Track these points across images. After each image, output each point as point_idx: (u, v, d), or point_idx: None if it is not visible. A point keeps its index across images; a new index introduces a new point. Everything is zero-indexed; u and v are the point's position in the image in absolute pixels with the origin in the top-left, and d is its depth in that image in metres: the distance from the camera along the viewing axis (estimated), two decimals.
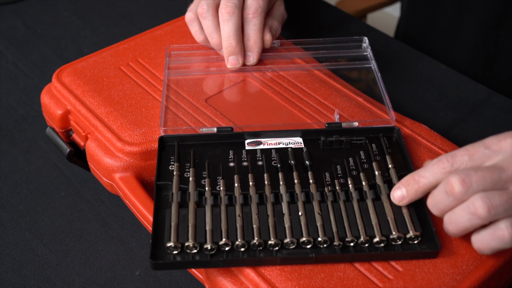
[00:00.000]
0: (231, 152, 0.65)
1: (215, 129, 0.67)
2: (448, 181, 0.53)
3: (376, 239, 0.56)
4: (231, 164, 0.64)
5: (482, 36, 1.00)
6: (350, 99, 0.72)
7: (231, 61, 0.74)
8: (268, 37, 0.76)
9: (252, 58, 0.75)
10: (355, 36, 0.79)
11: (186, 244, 0.55)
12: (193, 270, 0.61)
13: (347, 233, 0.56)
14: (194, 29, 0.78)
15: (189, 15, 0.78)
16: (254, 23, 0.74)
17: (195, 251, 0.55)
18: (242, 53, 0.74)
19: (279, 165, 0.63)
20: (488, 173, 0.52)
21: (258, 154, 0.65)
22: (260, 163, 0.64)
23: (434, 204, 0.55)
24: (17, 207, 0.75)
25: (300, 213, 0.58)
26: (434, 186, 0.56)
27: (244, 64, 0.75)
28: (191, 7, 0.78)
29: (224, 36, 0.73)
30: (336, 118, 0.69)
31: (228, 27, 0.73)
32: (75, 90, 0.73)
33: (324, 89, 0.74)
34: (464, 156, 0.55)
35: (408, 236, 0.56)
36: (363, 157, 0.64)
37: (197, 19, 0.77)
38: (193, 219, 0.57)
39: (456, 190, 0.52)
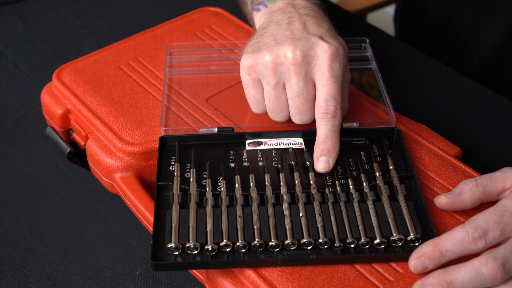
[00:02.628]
0: (231, 153, 0.65)
1: (215, 129, 0.67)
2: (488, 264, 0.51)
3: (377, 241, 0.56)
4: (232, 164, 0.64)
5: (502, 41, 0.99)
6: (350, 99, 0.72)
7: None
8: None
9: (329, 164, 0.63)
10: (356, 37, 0.79)
11: (187, 245, 0.55)
12: (194, 270, 0.61)
13: (347, 234, 0.56)
14: (255, 96, 0.66)
15: (259, 111, 0.67)
16: (333, 124, 0.62)
17: (195, 252, 0.55)
18: (336, 156, 0.63)
19: (279, 166, 0.63)
20: None
21: (259, 155, 0.65)
22: (260, 163, 0.64)
23: (459, 283, 0.52)
24: (17, 207, 0.75)
25: (300, 214, 0.58)
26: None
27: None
28: (256, 102, 0.66)
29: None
30: None
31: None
32: (75, 90, 0.73)
33: None
34: (496, 231, 0.53)
35: (408, 238, 0.56)
36: (364, 158, 0.64)
37: (264, 109, 0.67)
38: (193, 220, 0.57)
39: (499, 275, 0.51)
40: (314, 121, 0.64)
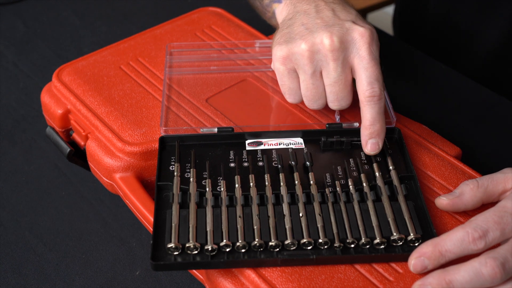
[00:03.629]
0: (231, 153, 0.65)
1: (215, 129, 0.67)
2: (488, 264, 0.51)
3: (377, 241, 0.56)
4: (232, 164, 0.64)
5: (503, 41, 0.99)
6: None
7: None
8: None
9: (379, 146, 0.63)
10: None
11: (187, 245, 0.55)
12: (194, 270, 0.61)
13: (347, 234, 0.56)
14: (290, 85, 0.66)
15: (294, 101, 0.67)
16: (380, 106, 0.62)
17: (195, 252, 0.55)
18: (383, 138, 0.64)
19: (279, 166, 0.63)
20: None
21: (259, 155, 0.65)
22: (260, 163, 0.64)
23: (458, 283, 0.52)
24: (17, 207, 0.75)
25: (300, 214, 0.58)
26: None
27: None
28: (291, 92, 0.66)
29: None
30: (336, 118, 0.69)
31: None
32: (75, 90, 0.73)
33: None
34: (496, 232, 0.53)
35: (408, 238, 0.56)
36: (364, 158, 0.64)
37: (300, 98, 0.66)
38: (193, 220, 0.57)
39: (498, 276, 0.51)
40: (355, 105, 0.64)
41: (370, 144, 0.63)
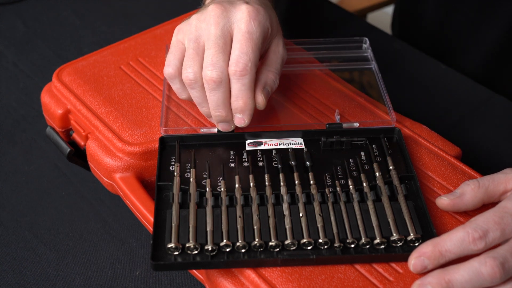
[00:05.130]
0: (231, 153, 0.65)
1: (215, 130, 0.67)
2: (487, 264, 0.51)
3: (377, 241, 0.56)
4: (232, 164, 0.64)
5: (502, 41, 0.99)
6: (350, 100, 0.72)
7: (222, 126, 0.65)
8: (260, 99, 0.64)
9: (244, 121, 0.63)
10: (356, 37, 0.79)
11: (187, 245, 0.55)
12: (194, 270, 0.61)
13: (347, 234, 0.56)
14: (176, 86, 0.67)
15: (168, 71, 0.65)
16: (243, 82, 0.61)
17: (195, 252, 0.55)
18: (231, 118, 0.64)
19: (279, 166, 0.63)
20: None
21: (259, 155, 0.65)
22: (260, 163, 0.64)
23: (458, 282, 0.52)
24: (17, 207, 0.75)
25: (300, 214, 0.58)
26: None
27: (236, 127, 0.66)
28: (170, 60, 0.65)
29: (212, 106, 0.63)
30: (336, 118, 0.69)
31: (215, 97, 0.62)
32: (75, 90, 0.73)
33: (324, 90, 0.74)
34: (496, 232, 0.53)
35: (408, 238, 0.56)
36: (364, 158, 0.64)
37: (179, 76, 0.65)
38: (193, 220, 0.57)
39: (498, 275, 0.51)
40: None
41: (235, 118, 0.64)
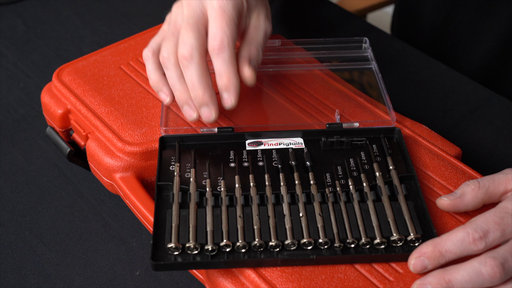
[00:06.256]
0: (231, 153, 0.65)
1: (215, 129, 0.67)
2: (487, 264, 0.51)
3: (377, 241, 0.56)
4: (232, 164, 0.64)
5: (502, 41, 0.99)
6: (350, 100, 0.72)
7: (204, 113, 0.62)
8: (247, 72, 0.63)
9: (230, 100, 0.62)
10: (356, 37, 0.79)
11: (187, 245, 0.55)
12: (194, 270, 0.61)
13: (347, 234, 0.56)
14: (147, 68, 0.67)
15: (144, 52, 0.67)
16: (223, 58, 0.61)
17: (196, 252, 0.55)
18: (214, 101, 0.62)
19: (279, 166, 0.63)
20: None
21: (259, 155, 0.65)
22: (260, 163, 0.64)
23: (458, 282, 0.52)
24: (17, 207, 0.75)
25: (301, 214, 0.58)
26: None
27: (222, 109, 0.64)
28: (149, 43, 0.67)
29: (189, 87, 0.62)
30: (336, 118, 0.69)
31: (189, 75, 0.61)
32: (76, 89, 0.73)
33: (325, 90, 0.74)
34: (496, 232, 0.53)
35: (409, 238, 0.56)
36: (364, 158, 0.64)
37: (153, 57, 0.67)
38: (193, 220, 0.57)
39: (498, 275, 0.51)
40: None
41: (222, 99, 0.63)
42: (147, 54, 0.67)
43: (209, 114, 0.63)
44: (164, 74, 0.66)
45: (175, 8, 0.66)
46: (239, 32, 0.65)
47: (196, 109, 0.63)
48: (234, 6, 0.62)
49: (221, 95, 0.63)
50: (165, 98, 0.65)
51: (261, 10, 0.67)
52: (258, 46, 0.66)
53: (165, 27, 0.68)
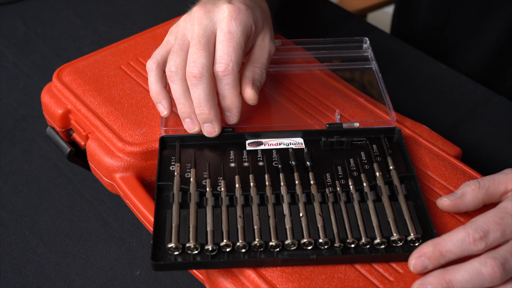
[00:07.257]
0: (231, 153, 0.65)
1: None
2: (487, 264, 0.51)
3: (377, 241, 0.56)
4: (232, 164, 0.64)
5: (502, 41, 0.99)
6: (351, 100, 0.72)
7: (207, 129, 0.65)
8: (250, 93, 0.66)
9: (233, 118, 0.66)
10: (356, 36, 0.79)
11: (187, 245, 0.55)
12: (194, 270, 0.61)
13: (348, 234, 0.56)
14: (150, 79, 0.67)
15: (149, 63, 0.67)
16: (226, 82, 0.63)
17: (196, 252, 0.55)
18: (218, 119, 0.64)
19: (280, 166, 0.63)
20: None
21: (259, 155, 0.65)
22: (261, 163, 0.64)
23: (458, 282, 0.52)
24: (17, 207, 0.75)
25: (301, 214, 0.58)
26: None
27: (226, 124, 0.66)
28: (154, 54, 0.67)
29: (195, 103, 0.63)
30: (337, 118, 0.69)
31: (197, 93, 0.62)
32: (76, 89, 0.73)
33: (325, 90, 0.74)
34: (497, 233, 0.53)
35: (409, 238, 0.56)
36: (364, 158, 0.64)
37: (157, 69, 0.67)
38: (194, 220, 0.57)
39: (498, 275, 0.51)
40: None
41: (225, 116, 0.66)
42: (151, 66, 0.67)
43: (212, 130, 0.65)
44: (165, 87, 0.67)
45: (184, 22, 0.66)
46: (245, 52, 0.67)
47: (198, 123, 0.65)
48: (243, 31, 0.64)
49: (224, 114, 0.66)
50: (163, 111, 0.67)
51: (267, 31, 0.69)
52: (262, 67, 0.68)
53: (171, 39, 0.68)
